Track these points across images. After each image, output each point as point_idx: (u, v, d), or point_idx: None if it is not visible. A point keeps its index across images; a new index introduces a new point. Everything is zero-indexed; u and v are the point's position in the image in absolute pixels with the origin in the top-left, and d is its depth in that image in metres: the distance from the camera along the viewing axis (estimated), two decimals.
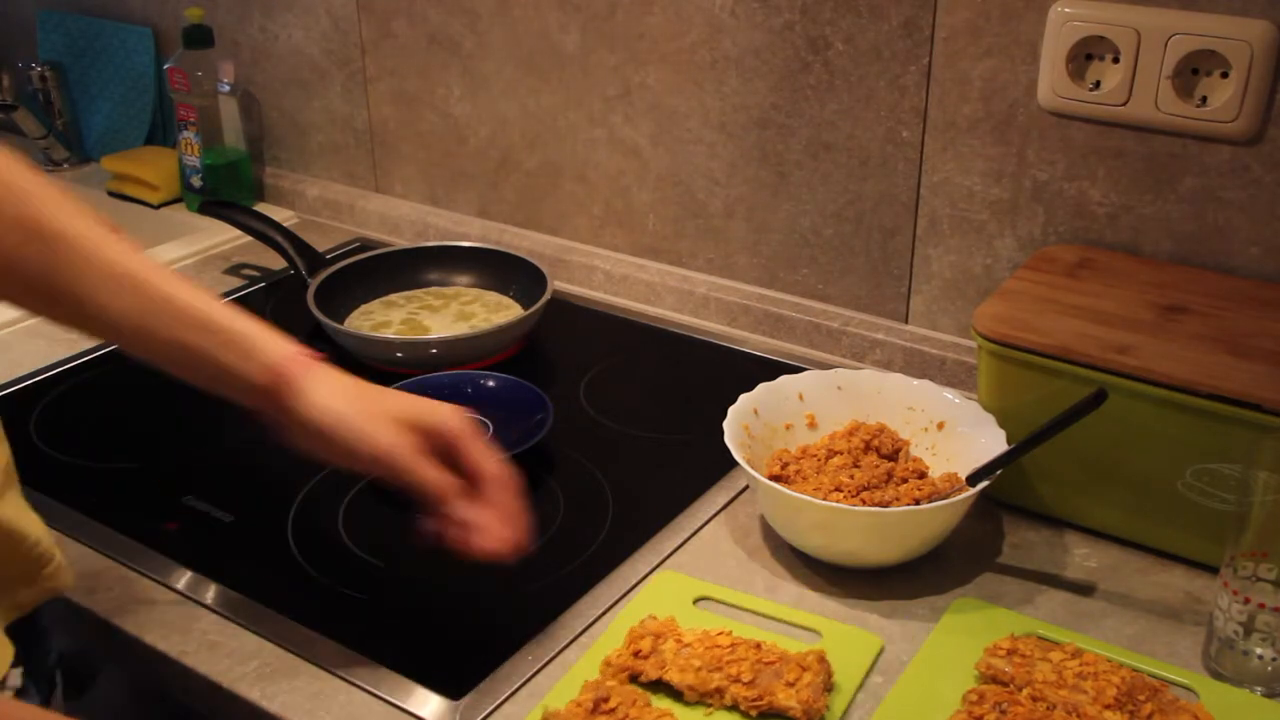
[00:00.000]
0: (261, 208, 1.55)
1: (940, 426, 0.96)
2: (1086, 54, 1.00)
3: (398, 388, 1.08)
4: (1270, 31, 0.92)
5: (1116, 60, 0.98)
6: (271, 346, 0.76)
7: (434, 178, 1.48)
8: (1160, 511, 0.88)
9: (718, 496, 0.99)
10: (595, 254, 1.36)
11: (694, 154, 1.25)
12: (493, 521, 0.75)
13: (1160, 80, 0.97)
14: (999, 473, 0.86)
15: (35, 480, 1.00)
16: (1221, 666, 0.79)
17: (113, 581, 0.89)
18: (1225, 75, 0.94)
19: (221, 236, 1.48)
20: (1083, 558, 0.91)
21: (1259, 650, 0.77)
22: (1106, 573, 0.89)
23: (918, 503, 0.88)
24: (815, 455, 0.95)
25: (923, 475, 0.93)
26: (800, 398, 0.99)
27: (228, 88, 1.53)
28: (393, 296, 1.30)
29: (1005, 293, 0.96)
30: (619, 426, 1.09)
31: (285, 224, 1.41)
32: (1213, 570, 0.84)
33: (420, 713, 0.77)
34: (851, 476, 0.91)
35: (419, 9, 1.39)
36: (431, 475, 0.75)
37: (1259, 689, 0.77)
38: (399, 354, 1.16)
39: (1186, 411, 0.84)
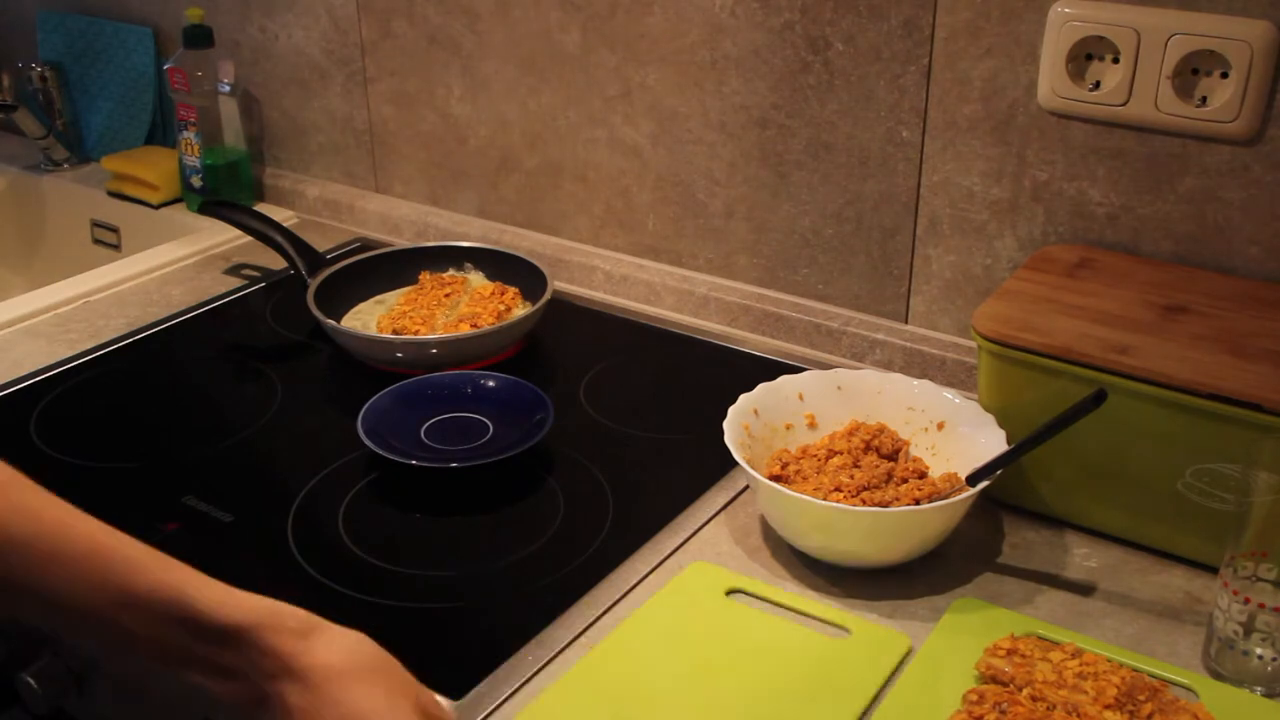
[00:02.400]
0: (261, 208, 1.55)
1: (940, 426, 0.96)
2: (1086, 54, 1.00)
3: (398, 387, 1.08)
4: (1270, 31, 0.92)
5: (1116, 60, 0.98)
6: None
7: (434, 178, 1.48)
8: (1160, 511, 0.88)
9: (718, 496, 0.99)
10: (595, 254, 1.36)
11: (694, 154, 1.25)
12: None
13: (1160, 80, 0.97)
14: (999, 473, 0.86)
15: (35, 480, 1.00)
16: (1221, 666, 0.79)
17: None
18: (1225, 75, 0.94)
19: (221, 236, 1.48)
20: (1083, 558, 0.91)
21: (1259, 650, 0.77)
22: (1106, 573, 0.89)
23: (918, 503, 0.88)
24: (815, 455, 0.95)
25: (923, 475, 0.93)
26: (800, 398, 0.99)
27: (228, 88, 1.53)
28: (385, 295, 1.30)
29: (1005, 293, 0.96)
30: (619, 426, 1.09)
31: (285, 224, 1.41)
32: (1213, 570, 0.84)
33: None
34: (851, 476, 0.91)
35: (419, 9, 1.39)
36: None
37: (1259, 689, 0.77)
38: (399, 354, 1.16)
39: (1186, 411, 0.84)
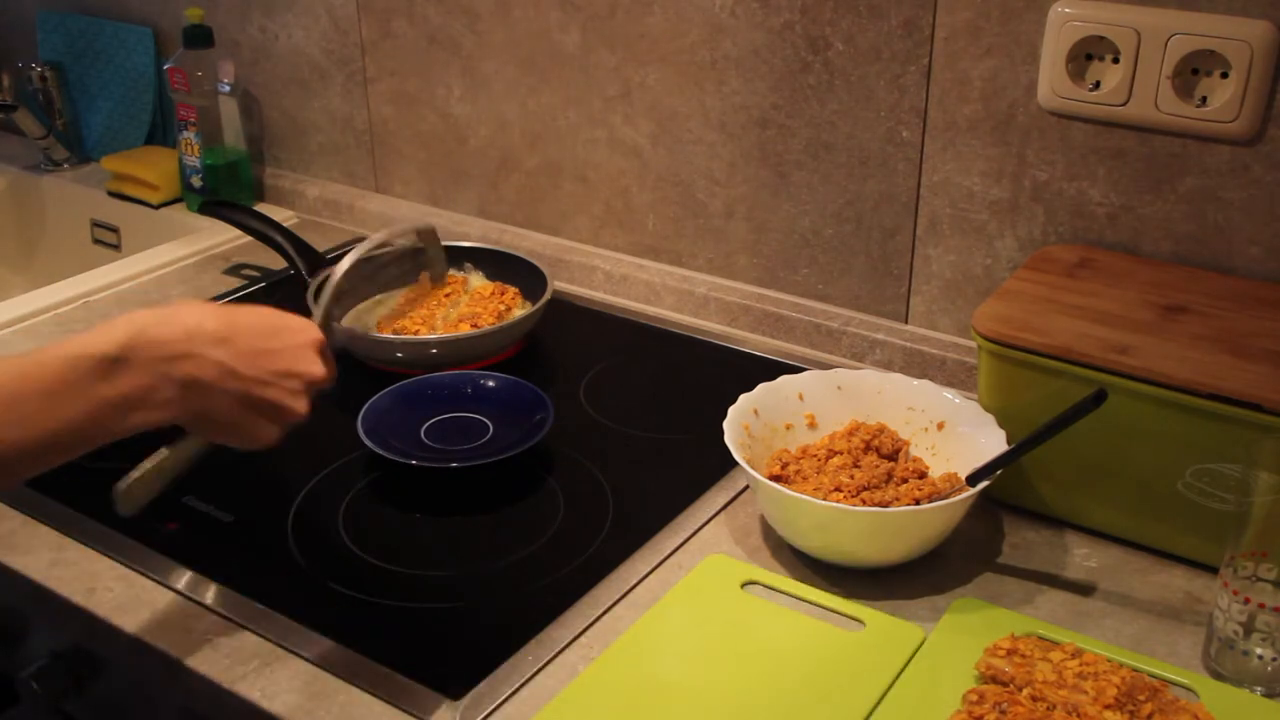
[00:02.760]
0: (261, 208, 1.55)
1: (940, 426, 0.96)
2: (1086, 54, 1.00)
3: (398, 387, 1.08)
4: (1270, 31, 0.92)
5: (1116, 60, 0.98)
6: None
7: (434, 178, 1.48)
8: (1160, 511, 0.88)
9: (718, 496, 0.99)
10: (595, 254, 1.36)
11: (694, 154, 1.25)
12: None
13: (1160, 80, 0.97)
14: (999, 473, 0.86)
15: (35, 480, 1.00)
16: (1221, 666, 0.79)
17: (113, 581, 0.89)
18: (1225, 75, 0.94)
19: (221, 236, 1.48)
20: (1083, 558, 0.91)
21: (1259, 650, 0.77)
22: (1106, 573, 0.89)
23: (918, 503, 0.88)
24: (815, 455, 0.95)
25: (923, 475, 0.93)
26: (800, 398, 0.99)
27: (228, 88, 1.53)
28: (384, 296, 1.30)
29: (1005, 293, 0.96)
30: (619, 426, 1.09)
31: (285, 224, 1.41)
32: (1213, 570, 0.84)
33: (420, 713, 0.77)
34: (851, 476, 0.91)
35: (419, 9, 1.39)
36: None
37: (1259, 689, 0.77)
38: (399, 354, 1.16)
39: (1186, 411, 0.84)
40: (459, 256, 1.33)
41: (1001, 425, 0.91)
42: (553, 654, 0.81)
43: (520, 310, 1.24)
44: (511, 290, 1.27)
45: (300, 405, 0.83)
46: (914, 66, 1.08)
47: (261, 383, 0.80)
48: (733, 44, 1.18)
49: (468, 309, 1.23)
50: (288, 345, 0.82)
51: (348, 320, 1.25)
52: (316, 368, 0.83)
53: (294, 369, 0.82)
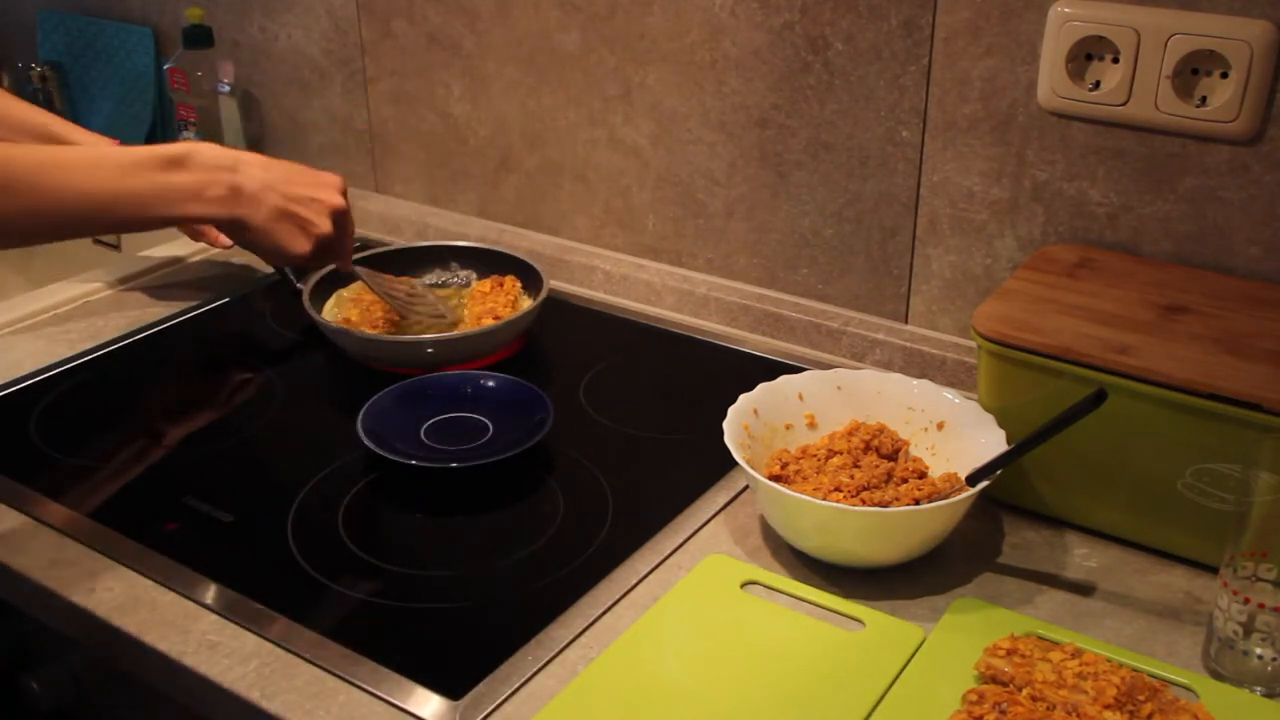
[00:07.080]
0: None
1: (940, 426, 0.96)
2: (1086, 54, 1.00)
3: (398, 387, 1.08)
4: (1270, 31, 0.92)
5: (1116, 60, 0.99)
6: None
7: (434, 178, 1.48)
8: (1160, 511, 0.88)
9: (718, 496, 0.99)
10: (595, 254, 1.36)
11: (694, 154, 1.25)
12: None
13: (1160, 80, 0.97)
14: (999, 473, 0.86)
15: (35, 480, 1.00)
16: (1221, 666, 0.79)
17: (112, 581, 0.89)
18: (1225, 75, 0.94)
19: None
20: (1083, 558, 0.91)
21: (1259, 650, 0.77)
22: (1106, 573, 0.89)
23: (918, 503, 0.88)
24: (815, 455, 0.95)
25: (923, 475, 0.93)
26: (800, 398, 0.99)
27: (228, 88, 1.53)
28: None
29: (1005, 293, 0.96)
30: (619, 426, 1.09)
31: None
32: (1213, 570, 0.84)
33: (420, 713, 0.77)
34: (851, 476, 0.91)
35: (419, 9, 1.39)
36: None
37: (1259, 689, 0.77)
38: (399, 354, 1.16)
39: (1186, 411, 0.84)
40: (456, 256, 1.33)
41: (1001, 425, 0.91)
42: (553, 654, 0.81)
43: (525, 300, 1.24)
44: (509, 279, 1.26)
45: (325, 224, 1.11)
46: (914, 66, 1.08)
47: (294, 199, 1.08)
48: (733, 44, 1.18)
49: (480, 306, 1.22)
50: (316, 180, 1.11)
51: (328, 309, 1.25)
52: (338, 198, 1.12)
53: (319, 196, 1.10)
